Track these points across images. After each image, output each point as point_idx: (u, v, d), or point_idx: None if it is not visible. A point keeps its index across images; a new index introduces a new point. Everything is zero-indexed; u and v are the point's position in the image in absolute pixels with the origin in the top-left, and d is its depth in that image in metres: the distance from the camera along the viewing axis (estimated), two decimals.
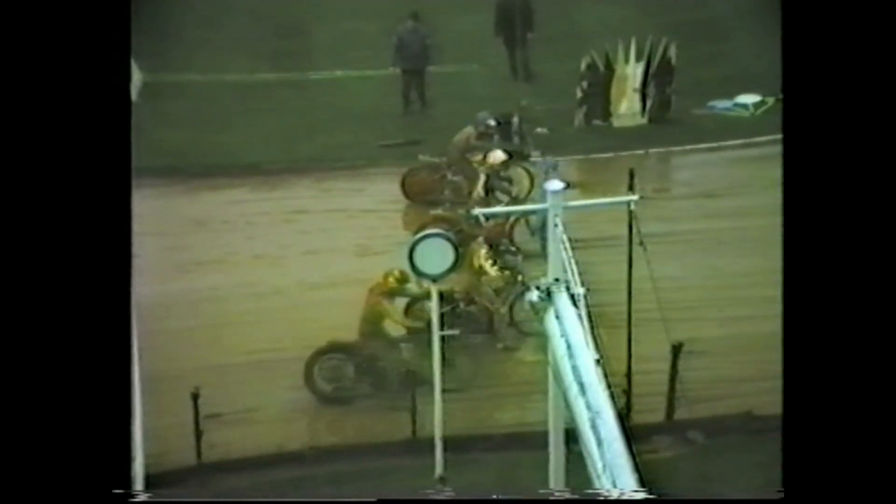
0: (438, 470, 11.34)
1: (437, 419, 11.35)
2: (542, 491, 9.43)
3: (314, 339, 14.29)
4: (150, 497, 8.36)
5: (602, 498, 7.53)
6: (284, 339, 14.85)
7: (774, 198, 17.08)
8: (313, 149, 19.28)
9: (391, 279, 13.72)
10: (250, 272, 16.36)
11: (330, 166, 18.78)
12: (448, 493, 10.98)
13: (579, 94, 19.71)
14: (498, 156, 16.19)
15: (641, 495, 7.35)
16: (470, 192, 16.47)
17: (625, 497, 7.38)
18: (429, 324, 11.33)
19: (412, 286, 13.63)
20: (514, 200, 16.01)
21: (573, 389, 8.49)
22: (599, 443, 7.84)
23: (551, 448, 9.65)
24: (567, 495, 8.56)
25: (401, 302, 14.33)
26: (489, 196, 16.03)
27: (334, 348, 13.94)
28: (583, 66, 19.66)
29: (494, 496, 10.18)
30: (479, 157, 16.64)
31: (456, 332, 12.25)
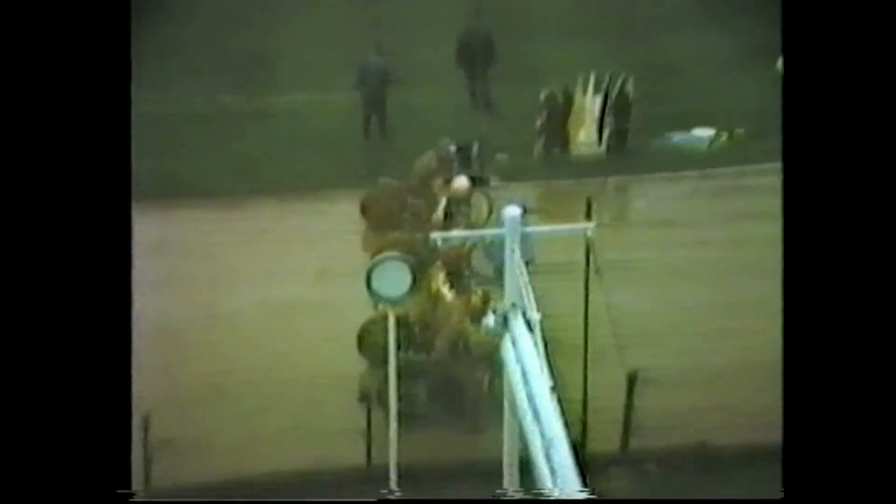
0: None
1: (391, 448, 10.96)
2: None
3: (272, 363, 13.95)
4: (150, 497, 8.14)
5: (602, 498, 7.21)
6: (241, 364, 14.47)
7: (732, 230, 17.31)
8: (274, 173, 19.02)
9: (475, 300, 13.19)
10: (207, 295, 15.96)
11: (294, 188, 18.47)
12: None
13: (538, 123, 19.70)
14: (462, 182, 16.00)
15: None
16: (430, 217, 16.20)
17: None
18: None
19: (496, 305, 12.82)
20: (472, 226, 15.75)
21: (528, 417, 8.19)
22: (553, 472, 7.51)
23: (505, 480, 9.32)
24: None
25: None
26: (448, 221, 15.79)
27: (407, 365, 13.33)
28: (542, 97, 19.70)
29: (496, 494, 9.77)
30: (439, 182, 16.41)
31: None
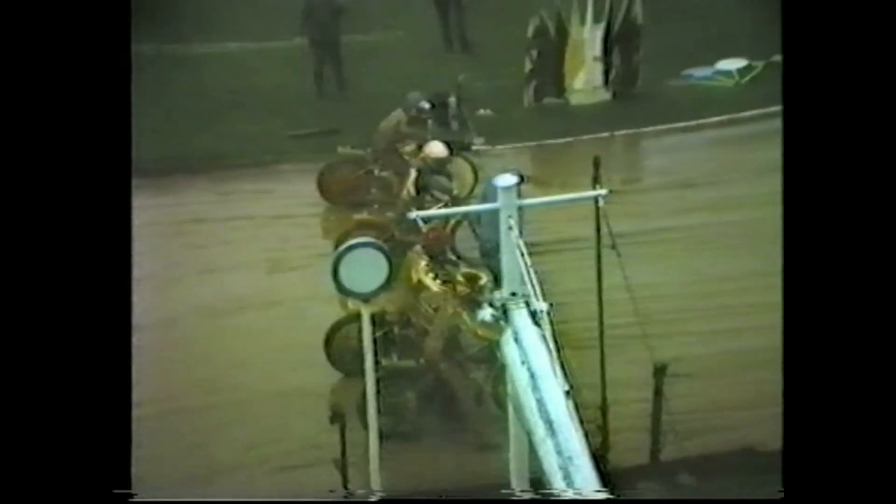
0: None
1: (373, 476, 11.19)
2: None
3: (216, 381, 14.07)
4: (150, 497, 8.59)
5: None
6: (177, 384, 14.57)
7: (767, 185, 17.42)
8: (208, 142, 19.07)
9: (459, 286, 13.11)
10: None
11: (231, 164, 18.54)
12: None
13: (528, 66, 19.63)
14: (437, 149, 15.95)
15: None
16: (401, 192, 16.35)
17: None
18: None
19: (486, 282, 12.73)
20: (455, 200, 15.87)
21: (539, 430, 8.41)
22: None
23: None
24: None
25: None
26: (421, 195, 15.83)
27: (392, 373, 13.40)
28: (530, 30, 19.54)
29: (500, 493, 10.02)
30: (411, 147, 16.53)
31: None
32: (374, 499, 10.99)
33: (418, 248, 14.31)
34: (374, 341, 13.19)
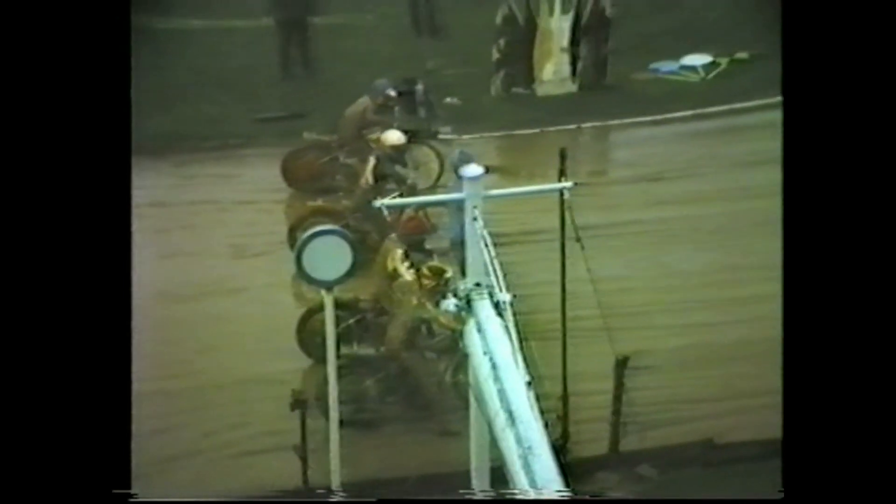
0: None
1: (333, 463, 11.35)
2: None
3: (177, 368, 14.10)
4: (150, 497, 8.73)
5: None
6: (140, 371, 14.61)
7: (733, 180, 17.71)
8: (170, 124, 18.97)
9: (425, 280, 13.24)
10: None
11: (194, 147, 18.60)
12: None
13: (496, 54, 19.73)
14: (393, 136, 16.03)
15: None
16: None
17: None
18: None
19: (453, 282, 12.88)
20: (412, 189, 15.94)
21: (500, 419, 8.59)
22: (534, 485, 7.95)
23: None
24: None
25: None
26: (380, 183, 15.87)
27: (353, 362, 13.57)
28: (498, 18, 19.61)
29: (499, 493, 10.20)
30: (376, 134, 16.61)
31: None
32: (336, 489, 11.13)
33: (394, 236, 14.47)
34: (344, 329, 13.42)
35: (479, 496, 9.74)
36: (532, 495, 7.81)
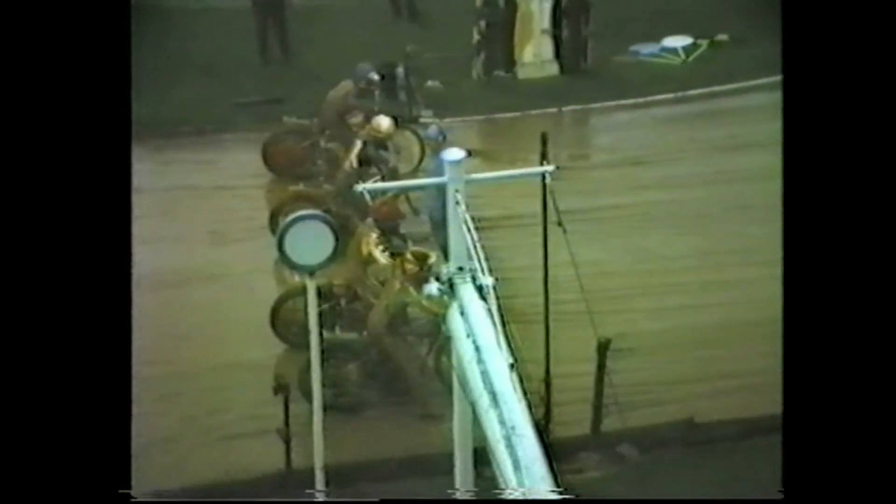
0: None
1: (317, 446, 11.50)
2: None
3: (161, 353, 14.21)
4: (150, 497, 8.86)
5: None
6: None
7: (715, 164, 17.91)
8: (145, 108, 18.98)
9: (408, 265, 13.37)
10: None
11: (171, 132, 18.70)
12: None
13: (476, 37, 19.86)
14: (385, 123, 16.18)
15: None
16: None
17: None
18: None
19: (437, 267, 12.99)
20: (393, 173, 16.10)
21: (483, 401, 8.77)
22: (517, 465, 8.12)
23: (457, 474, 9.93)
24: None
25: None
26: (364, 168, 16.00)
27: (335, 346, 13.65)
28: (479, 0, 19.76)
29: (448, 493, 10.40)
30: (358, 118, 16.75)
31: None
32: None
33: (370, 221, 14.64)
34: (320, 314, 13.56)
35: (478, 496, 9.92)
36: (527, 495, 7.95)
